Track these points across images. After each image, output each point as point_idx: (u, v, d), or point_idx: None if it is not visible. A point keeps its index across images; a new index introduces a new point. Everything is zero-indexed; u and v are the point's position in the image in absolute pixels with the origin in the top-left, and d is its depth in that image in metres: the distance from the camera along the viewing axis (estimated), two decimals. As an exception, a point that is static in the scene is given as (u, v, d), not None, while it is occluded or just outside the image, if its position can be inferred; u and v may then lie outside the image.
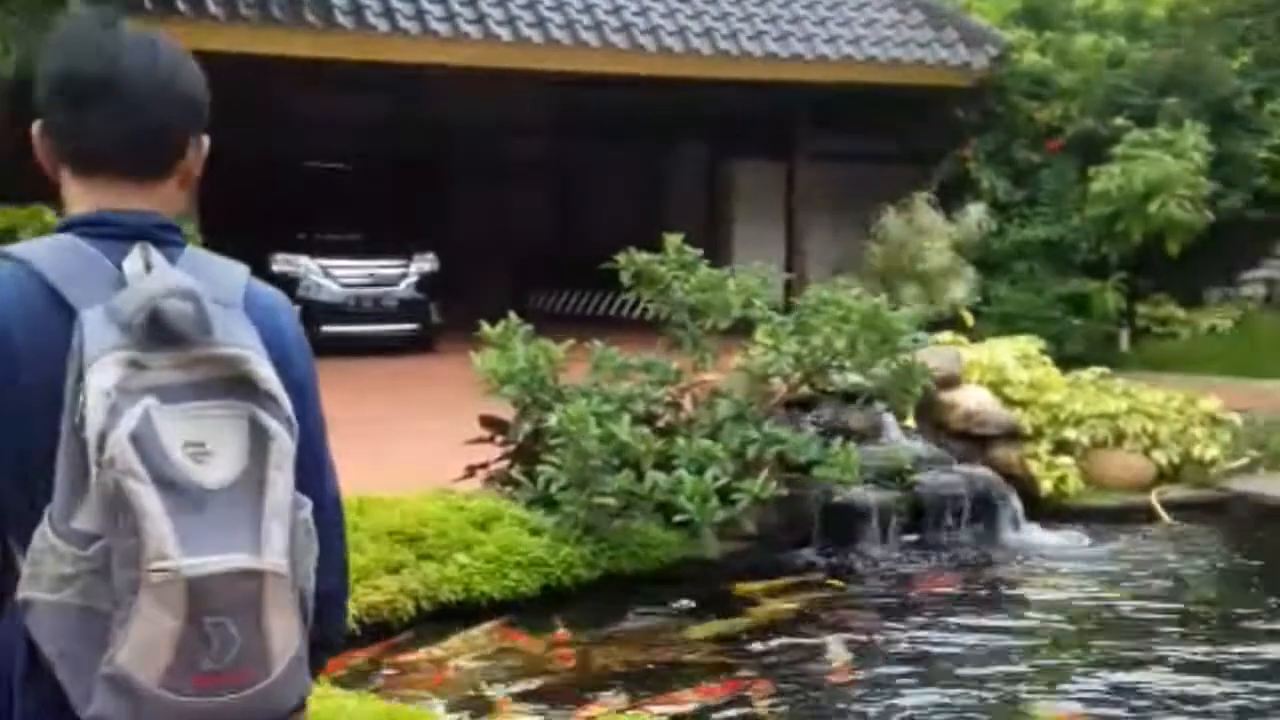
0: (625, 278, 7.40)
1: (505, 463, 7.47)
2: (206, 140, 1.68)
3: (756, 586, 6.80)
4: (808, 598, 6.75)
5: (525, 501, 6.87)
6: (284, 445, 1.45)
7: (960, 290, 14.22)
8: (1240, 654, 5.89)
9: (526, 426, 7.25)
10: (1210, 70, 15.54)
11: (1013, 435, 7.97)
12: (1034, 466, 7.95)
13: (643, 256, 7.32)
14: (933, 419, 8.09)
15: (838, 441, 6.79)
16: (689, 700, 5.43)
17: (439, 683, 5.56)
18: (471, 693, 5.45)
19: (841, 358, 6.87)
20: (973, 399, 8.05)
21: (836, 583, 6.91)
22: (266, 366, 1.47)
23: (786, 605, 6.64)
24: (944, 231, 14.59)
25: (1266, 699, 5.31)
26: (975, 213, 14.92)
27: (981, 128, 15.94)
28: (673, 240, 7.54)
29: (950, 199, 15.10)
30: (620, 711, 5.11)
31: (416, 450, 8.41)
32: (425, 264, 15.10)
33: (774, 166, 16.34)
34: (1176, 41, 16.05)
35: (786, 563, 7.14)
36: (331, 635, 1.72)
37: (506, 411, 7.39)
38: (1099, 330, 14.33)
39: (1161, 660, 5.82)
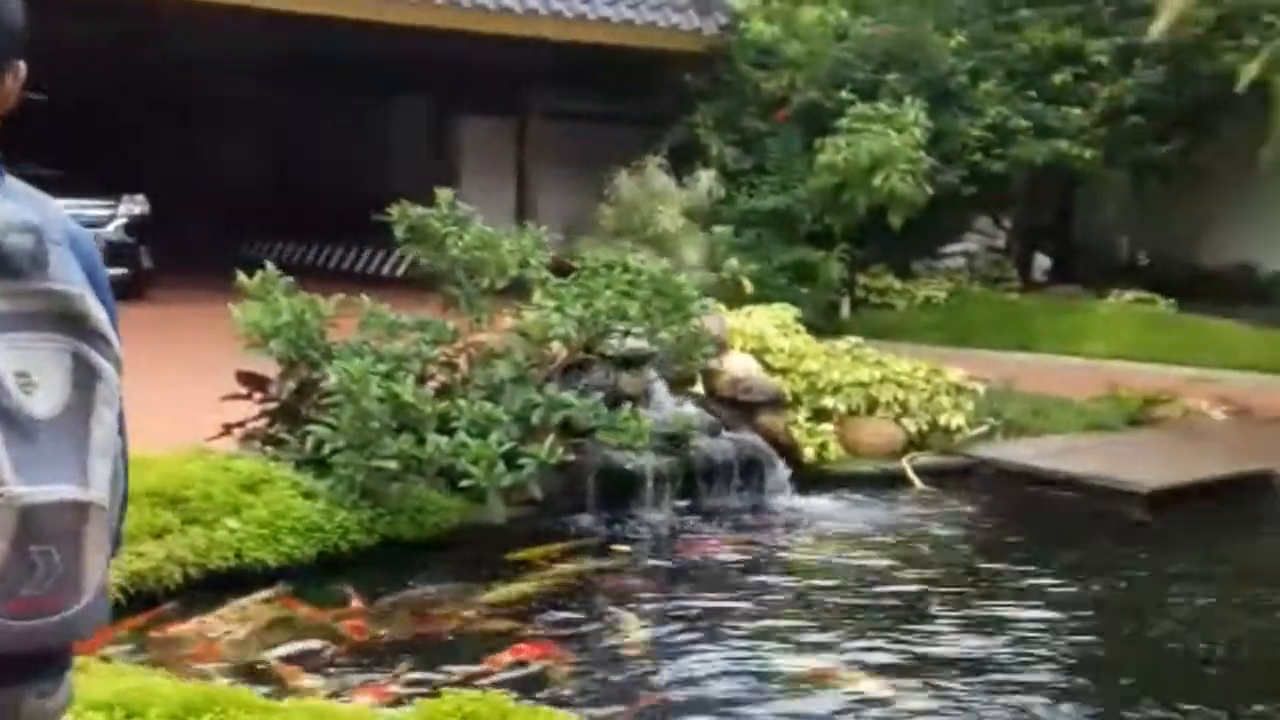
0: (399, 232, 7.07)
1: (263, 421, 7.04)
2: (23, 67, 1.61)
3: (537, 552, 6.59)
4: (588, 564, 6.61)
5: (292, 463, 6.48)
6: (113, 382, 1.50)
7: (693, 256, 14.34)
8: (995, 613, 6.07)
9: (291, 384, 6.85)
10: (928, 49, 16.14)
11: (777, 402, 8.02)
12: (797, 433, 8.04)
13: (417, 211, 7.00)
14: (690, 382, 8.06)
15: (627, 407, 6.68)
16: (485, 669, 5.23)
17: (214, 654, 5.17)
18: (254, 664, 5.09)
19: (632, 323, 6.76)
20: (739, 366, 8.06)
21: (623, 548, 6.79)
22: (97, 305, 1.50)
23: (568, 571, 6.47)
24: (676, 196, 14.68)
25: (1020, 654, 5.47)
26: (706, 179, 15.07)
27: (711, 94, 16.11)
28: (444, 195, 7.25)
29: (681, 164, 15.20)
30: (427, 687, 4.86)
31: (153, 405, 7.82)
32: (135, 206, 14.21)
33: (505, 123, 16.10)
34: (897, 18, 16.58)
35: (564, 528, 6.97)
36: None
37: (262, 367, 6.97)
38: (823, 299, 14.68)
39: (923, 618, 5.96)
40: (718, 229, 7.99)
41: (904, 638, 5.65)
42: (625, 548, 6.87)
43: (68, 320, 1.47)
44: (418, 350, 6.77)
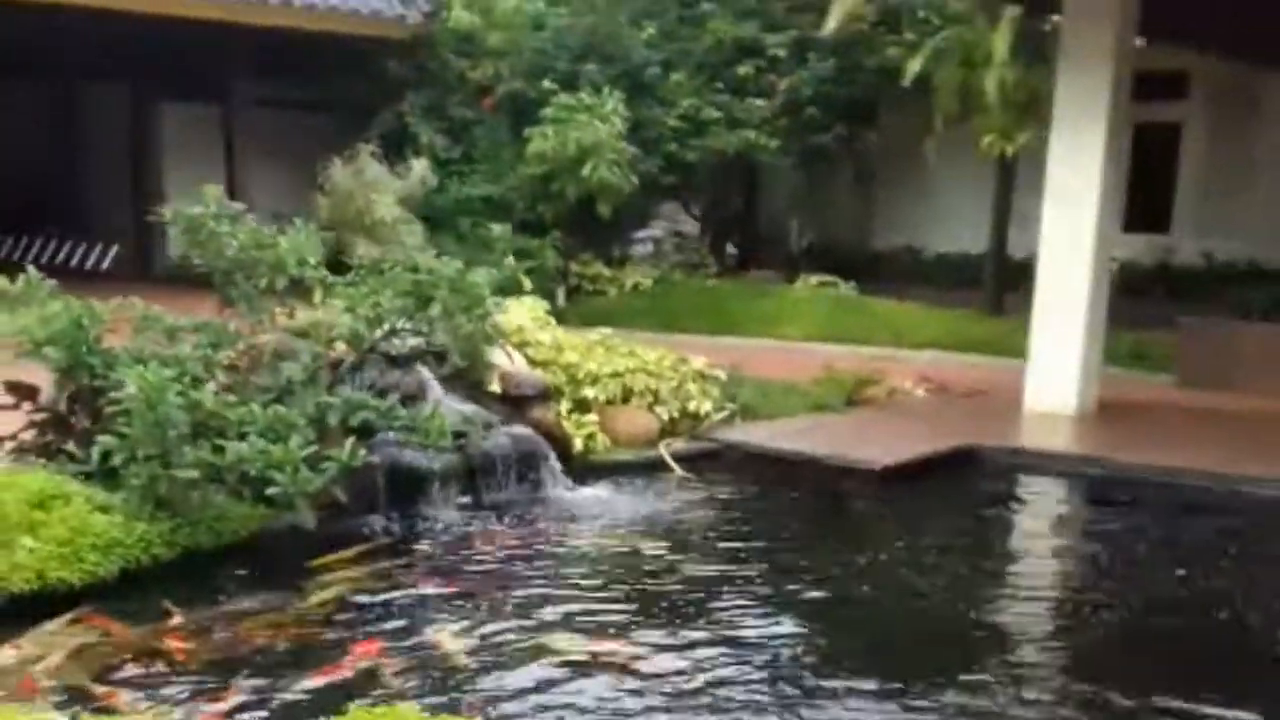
0: (174, 233, 6.93)
1: (33, 433, 6.80)
2: None
3: (335, 557, 6.65)
4: (385, 565, 6.70)
5: (75, 476, 6.30)
6: None
7: (410, 245, 14.36)
8: (761, 590, 6.46)
9: (66, 393, 6.64)
10: (622, 40, 16.67)
11: (546, 396, 8.28)
12: (566, 425, 8.31)
13: (193, 210, 6.88)
14: (471, 380, 8.22)
15: (428, 406, 6.79)
16: (318, 680, 5.28)
17: (30, 683, 5.04)
18: (77, 689, 4.99)
19: (436, 322, 6.86)
20: (507, 361, 8.27)
21: (417, 547, 6.91)
22: None
23: (367, 573, 6.55)
24: (390, 185, 14.66)
25: (787, 629, 5.92)
26: (419, 168, 15.10)
27: (417, 83, 16.15)
28: (212, 191, 7.16)
29: (392, 153, 15.19)
30: (264, 700, 4.91)
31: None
32: None
33: (210, 111, 15.64)
34: (592, 10, 17.03)
35: (356, 530, 7.02)
36: None
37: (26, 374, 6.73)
38: (541, 287, 14.96)
39: (694, 598, 6.28)
40: (496, 227, 8.13)
41: (679, 618, 5.95)
42: (420, 546, 6.98)
43: None
44: (203, 354, 6.67)
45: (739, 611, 6.04)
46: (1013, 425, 10.01)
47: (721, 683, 5.11)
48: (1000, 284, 15.88)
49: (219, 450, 6.23)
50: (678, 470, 8.59)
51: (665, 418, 9.02)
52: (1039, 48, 15.18)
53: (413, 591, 6.40)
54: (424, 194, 15.12)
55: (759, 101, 16.75)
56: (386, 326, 7.02)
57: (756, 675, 5.22)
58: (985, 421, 10.01)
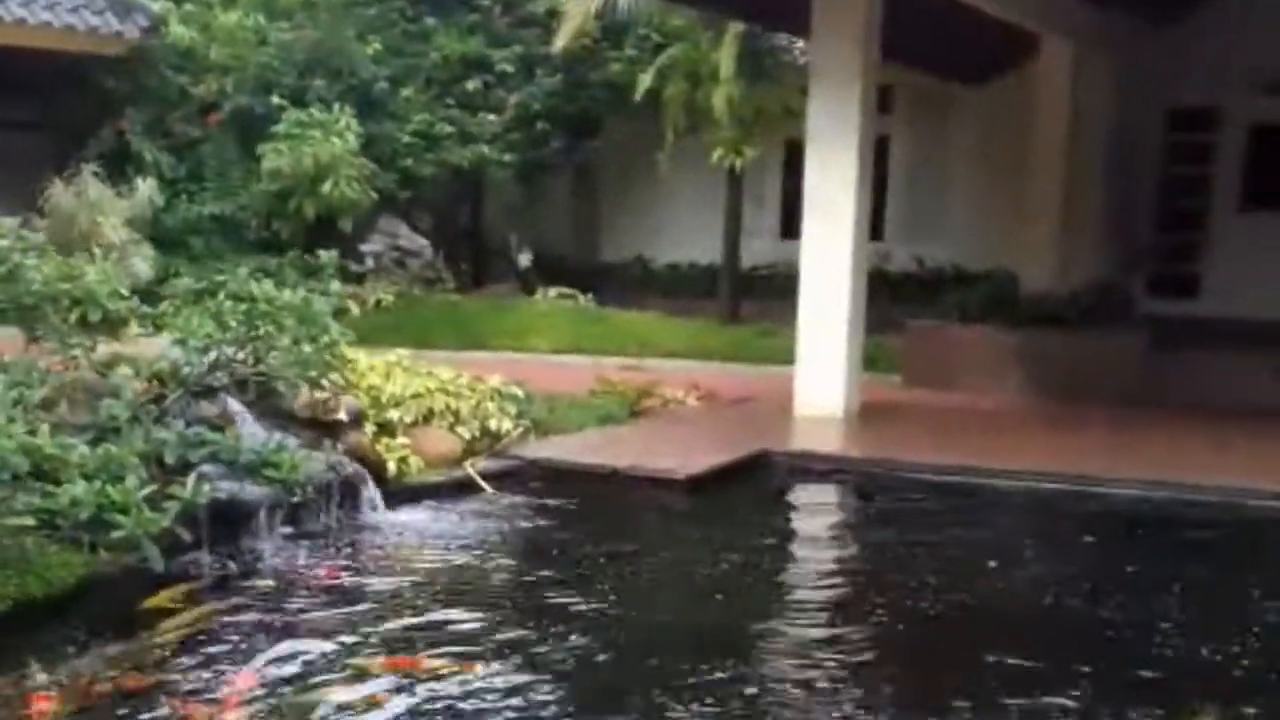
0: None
1: None
2: None
3: (166, 597, 6.36)
4: (219, 603, 6.47)
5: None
6: None
7: (142, 267, 13.78)
8: (578, 602, 6.47)
9: None
10: (349, 55, 16.45)
11: (359, 420, 8.14)
12: (380, 449, 8.19)
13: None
14: (275, 407, 7.99)
15: (276, 439, 6.58)
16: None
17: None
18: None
19: (283, 352, 6.64)
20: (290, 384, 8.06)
21: (250, 583, 6.69)
22: None
23: (201, 612, 6.32)
24: (117, 206, 14.03)
25: (603, 635, 5.97)
26: (145, 188, 14.50)
27: (136, 100, 15.48)
28: (8, 224, 6.76)
29: (115, 173, 14.52)
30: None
31: None
32: None
33: (-88, 129, 14.57)
34: (315, 24, 16.73)
35: (183, 568, 6.74)
36: None
37: None
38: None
39: (517, 610, 6.34)
40: (323, 253, 7.72)
41: (497, 629, 5.98)
42: (249, 581, 6.77)
43: None
44: (17, 394, 6.28)
45: (541, 626, 6.05)
46: (790, 430, 10.43)
47: (514, 690, 5.17)
48: (736, 293, 16.45)
49: (49, 495, 5.90)
50: (488, 489, 8.59)
51: (467, 437, 9.00)
52: (761, 65, 15.88)
53: (241, 627, 6.20)
54: (152, 214, 14.55)
55: (491, 117, 16.82)
56: (213, 356, 6.76)
57: (544, 688, 5.29)
58: (763, 427, 10.40)
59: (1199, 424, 10.80)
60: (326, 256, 7.75)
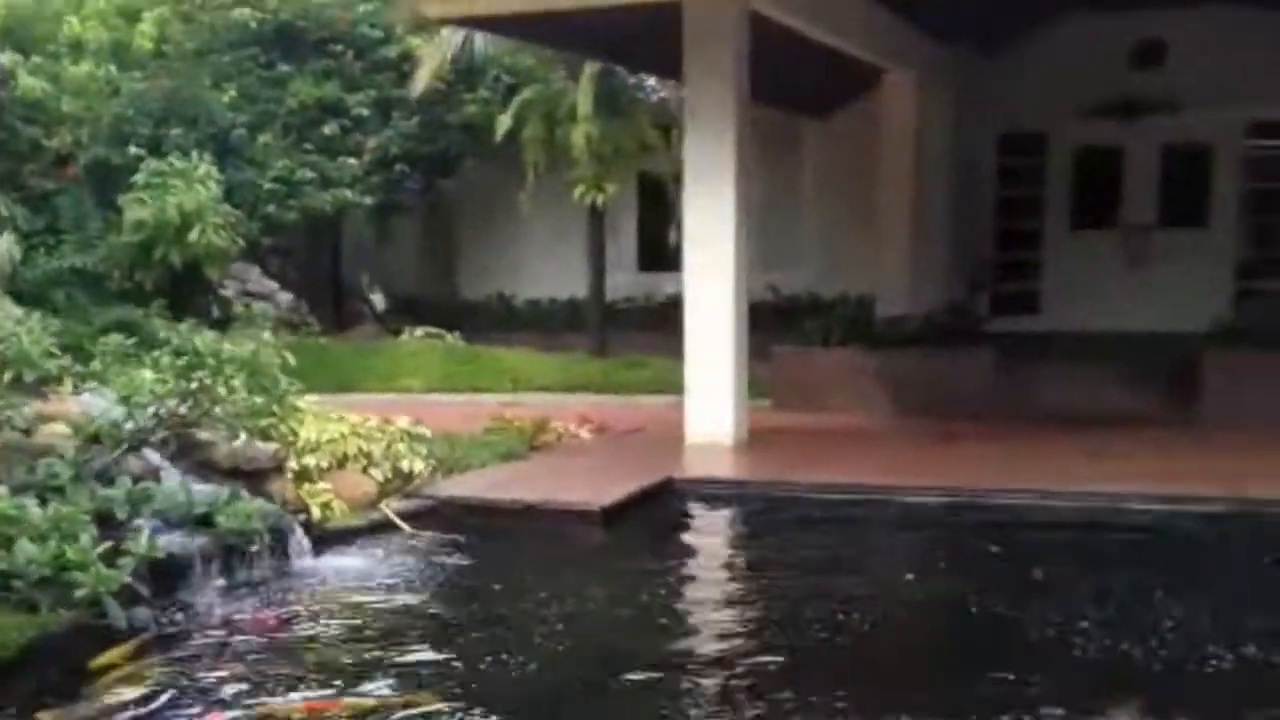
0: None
1: None
2: None
3: (114, 655, 6.35)
4: (164, 657, 6.48)
5: None
6: None
7: (6, 324, 13.47)
8: (509, 637, 6.68)
9: None
10: (204, 103, 16.35)
11: (280, 467, 8.20)
12: (303, 495, 8.26)
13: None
14: (196, 458, 8.02)
15: (225, 491, 6.63)
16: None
17: None
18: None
19: (235, 404, 6.70)
20: (231, 437, 8.12)
21: (194, 635, 6.70)
22: None
23: (147, 668, 6.34)
24: (-26, 262, 13.75)
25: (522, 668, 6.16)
26: (3, 242, 14.22)
27: (-13, 153, 15.19)
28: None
29: (-31, 227, 14.24)
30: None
31: None
32: None
33: None
34: (169, 73, 16.59)
35: (125, 625, 6.73)
36: None
37: None
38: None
39: (438, 645, 6.49)
40: (257, 305, 7.69)
41: (438, 666, 6.18)
42: (191, 634, 6.79)
43: None
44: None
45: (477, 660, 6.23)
46: (687, 457, 10.76)
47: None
48: (604, 326, 16.77)
49: (3, 556, 5.90)
50: (407, 529, 8.71)
51: (380, 479, 9.12)
52: (617, 102, 16.28)
53: (186, 683, 6.23)
54: (10, 269, 14.27)
55: (351, 160, 16.86)
56: (154, 410, 6.80)
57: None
58: (661, 456, 10.70)
59: (1061, 434, 11.42)
60: (259, 308, 7.76)
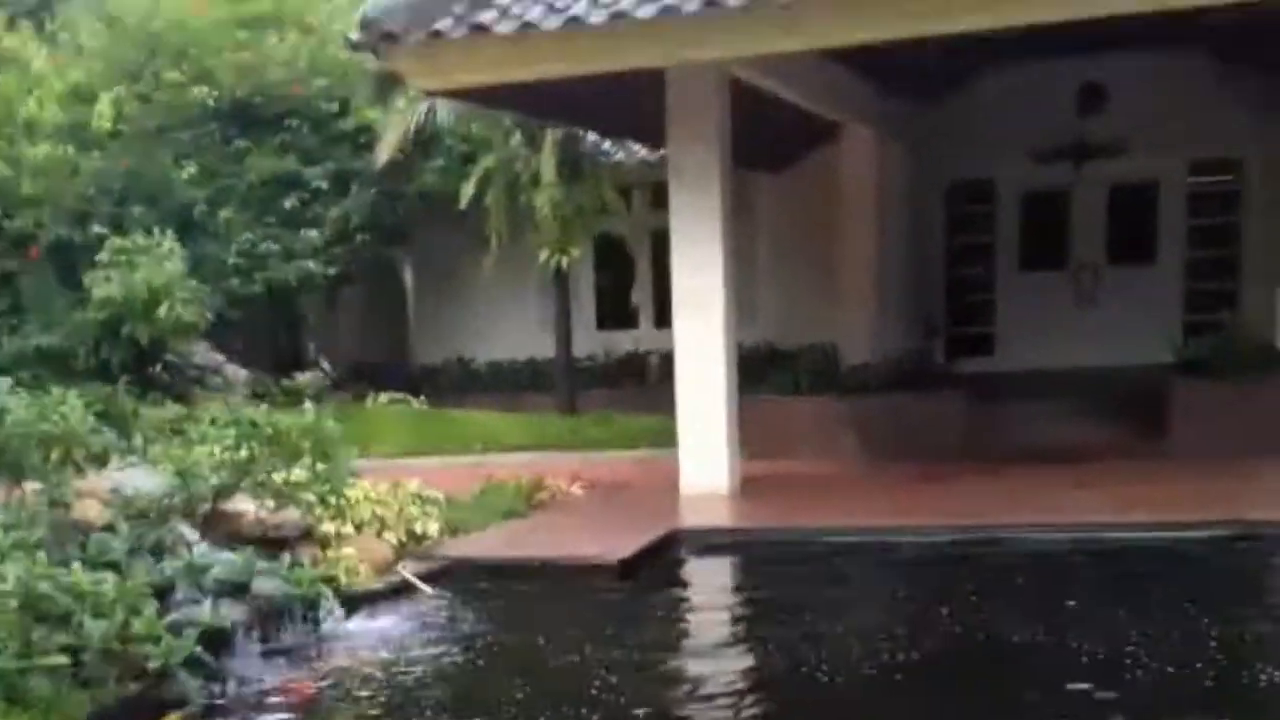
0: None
1: None
2: None
3: (172, 724, 6.40)
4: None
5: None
6: None
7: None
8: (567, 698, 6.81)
9: None
10: (165, 180, 16.37)
11: (307, 534, 8.25)
12: (330, 561, 8.30)
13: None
14: (222, 528, 8.04)
15: (286, 558, 6.67)
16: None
17: None
18: None
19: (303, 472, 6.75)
20: (256, 506, 8.16)
21: (245, 704, 6.70)
22: None
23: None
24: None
25: None
26: (-30, 325, 14.13)
27: (-54, 238, 15.10)
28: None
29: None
30: None
31: None
32: None
33: None
34: (128, 152, 16.58)
35: (172, 695, 6.72)
36: None
37: None
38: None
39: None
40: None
41: None
42: (241, 704, 6.80)
43: None
44: (18, 538, 6.26)
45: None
46: (687, 508, 10.89)
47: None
48: (571, 384, 16.90)
49: (75, 632, 5.91)
50: (428, 590, 8.76)
51: (394, 542, 9.17)
52: (578, 166, 16.52)
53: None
54: (-21, 352, 14.17)
55: (312, 233, 16.92)
56: (214, 482, 6.85)
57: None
58: (660, 508, 10.83)
59: (1042, 468, 11.70)
60: (303, 379, 7.82)
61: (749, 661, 7.22)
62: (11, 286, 15.15)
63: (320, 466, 7.26)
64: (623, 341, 19.07)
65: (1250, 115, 15.92)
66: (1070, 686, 6.05)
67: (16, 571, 5.56)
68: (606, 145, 17.84)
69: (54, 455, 6.63)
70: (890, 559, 9.15)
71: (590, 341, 18.95)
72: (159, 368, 15.67)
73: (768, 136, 15.53)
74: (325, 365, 19.75)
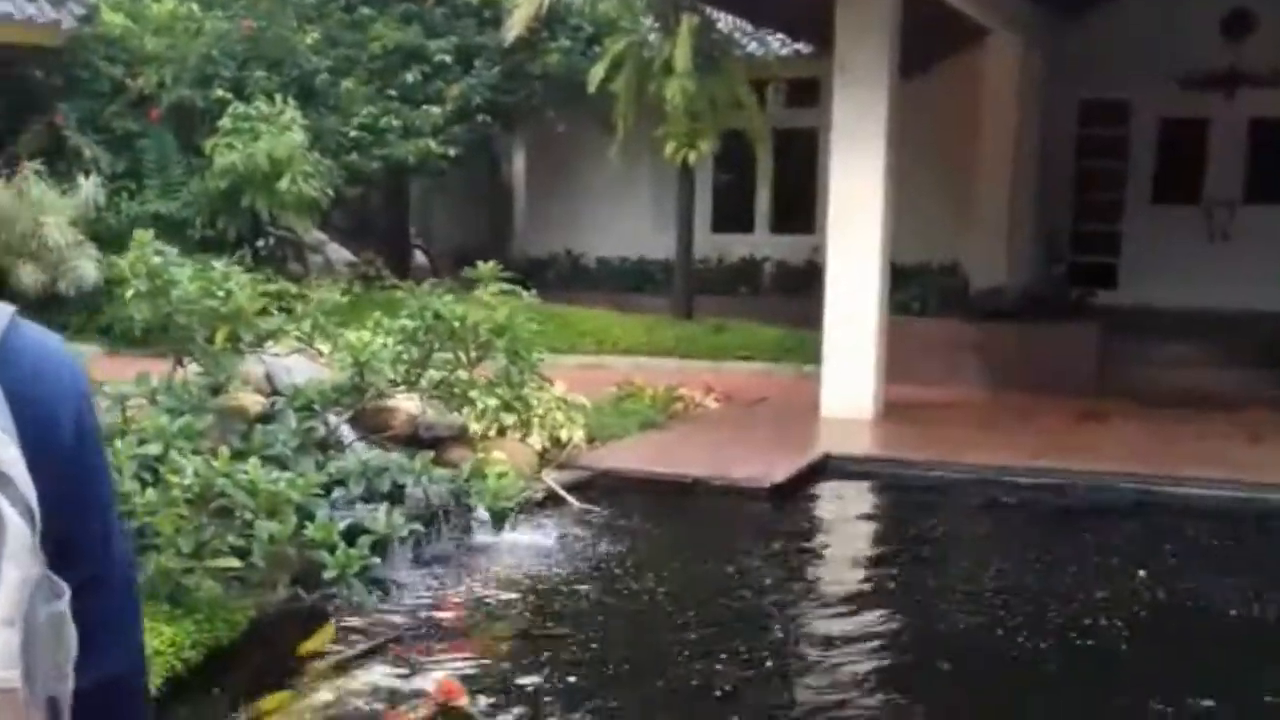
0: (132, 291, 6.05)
1: None
2: None
3: (322, 639, 5.99)
4: (371, 644, 6.09)
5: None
6: (19, 536, 1.12)
7: (89, 269, 13.06)
8: (723, 618, 6.51)
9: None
10: (289, 45, 15.82)
11: (462, 436, 7.84)
12: (481, 465, 7.88)
13: (152, 259, 6.04)
14: (371, 425, 7.64)
15: (473, 460, 6.26)
16: None
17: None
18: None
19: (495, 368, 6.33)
20: (410, 402, 7.75)
21: (400, 616, 6.33)
22: (8, 447, 1.14)
23: (359, 651, 5.97)
24: (60, 205, 13.25)
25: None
26: (88, 186, 13.74)
27: (69, 93, 14.63)
28: (142, 236, 6.32)
29: (52, 170, 13.72)
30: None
31: None
32: None
33: None
34: (253, 13, 16.03)
35: (322, 604, 6.34)
36: None
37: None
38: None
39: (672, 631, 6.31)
40: (481, 264, 7.15)
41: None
42: (396, 615, 6.43)
43: None
44: (185, 424, 5.86)
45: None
46: (833, 431, 10.38)
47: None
48: (689, 288, 16.35)
49: (247, 535, 5.53)
50: (574, 502, 8.35)
51: (538, 448, 8.76)
52: (713, 57, 15.79)
53: (404, 664, 5.88)
54: (96, 213, 13.80)
55: (434, 109, 16.34)
56: (392, 376, 6.43)
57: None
58: (801, 429, 10.38)
59: (1204, 415, 11.06)
60: (486, 268, 7.36)
61: (937, 603, 6.74)
62: (132, 149, 14.70)
63: (512, 368, 6.78)
64: (737, 246, 18.44)
65: None
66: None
67: (195, 465, 5.15)
68: (739, 36, 17.09)
69: (219, 335, 6.20)
70: (1070, 507, 8.61)
71: (705, 244, 18.32)
72: (271, 241, 15.25)
73: (911, 36, 14.76)
74: (424, 250, 19.32)
